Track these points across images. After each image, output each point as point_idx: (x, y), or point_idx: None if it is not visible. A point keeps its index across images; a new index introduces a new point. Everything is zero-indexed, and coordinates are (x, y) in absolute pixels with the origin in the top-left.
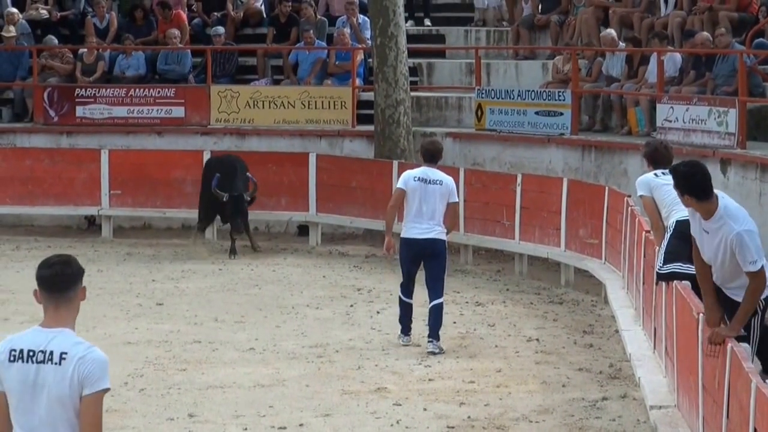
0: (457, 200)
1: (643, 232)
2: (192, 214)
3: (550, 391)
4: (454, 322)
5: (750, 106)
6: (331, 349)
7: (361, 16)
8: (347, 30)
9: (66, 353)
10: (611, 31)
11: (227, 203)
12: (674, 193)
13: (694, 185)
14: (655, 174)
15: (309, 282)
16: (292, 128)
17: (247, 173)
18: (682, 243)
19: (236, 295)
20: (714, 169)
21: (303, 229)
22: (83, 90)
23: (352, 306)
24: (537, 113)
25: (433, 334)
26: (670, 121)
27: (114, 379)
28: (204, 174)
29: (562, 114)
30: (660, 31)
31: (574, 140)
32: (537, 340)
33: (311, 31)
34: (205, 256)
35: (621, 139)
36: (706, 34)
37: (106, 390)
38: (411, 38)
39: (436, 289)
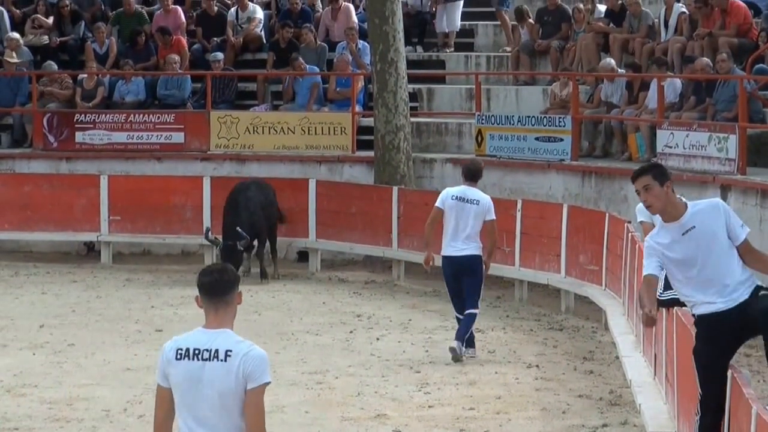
0: (494, 218)
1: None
2: (192, 240)
3: (550, 418)
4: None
5: (750, 131)
6: (330, 376)
7: (361, 41)
8: (347, 56)
9: (231, 351)
10: (611, 61)
11: (222, 251)
12: None
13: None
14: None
15: (309, 308)
16: (291, 154)
17: (263, 210)
18: None
19: (235, 321)
20: (714, 195)
21: (303, 255)
22: (83, 115)
23: (351, 332)
24: (537, 139)
25: (459, 336)
26: (671, 147)
27: (113, 405)
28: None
29: (562, 140)
30: (659, 58)
31: (575, 166)
32: (537, 366)
33: (299, 59)
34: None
35: (621, 165)
36: (706, 59)
37: (268, 383)
38: (411, 64)
39: (472, 300)
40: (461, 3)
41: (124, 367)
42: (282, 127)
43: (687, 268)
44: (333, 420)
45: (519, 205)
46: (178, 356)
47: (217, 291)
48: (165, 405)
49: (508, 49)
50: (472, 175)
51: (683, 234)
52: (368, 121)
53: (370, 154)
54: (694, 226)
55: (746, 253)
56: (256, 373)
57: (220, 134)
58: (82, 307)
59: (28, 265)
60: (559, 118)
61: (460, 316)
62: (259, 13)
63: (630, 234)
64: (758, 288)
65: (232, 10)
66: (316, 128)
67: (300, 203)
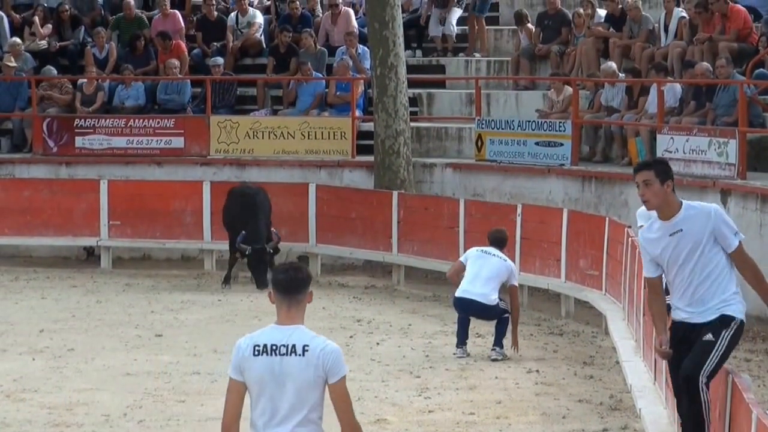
0: (517, 285)
1: None
2: (191, 245)
3: (551, 423)
4: (454, 353)
5: (750, 136)
6: None
7: (361, 46)
8: (347, 60)
9: (308, 346)
10: (612, 64)
11: (250, 256)
12: None
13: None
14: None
15: (308, 313)
16: (291, 159)
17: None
18: None
19: (236, 326)
20: (714, 200)
21: (303, 260)
22: (82, 120)
23: (351, 337)
24: (537, 144)
25: (497, 342)
26: (671, 152)
27: (112, 410)
28: (225, 205)
29: (562, 144)
30: (658, 63)
31: (575, 171)
32: (537, 371)
33: (309, 64)
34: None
35: (621, 169)
36: (706, 64)
37: (346, 374)
38: (411, 68)
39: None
40: (457, 8)
41: (123, 372)
42: (282, 132)
43: (668, 269)
44: (333, 425)
45: (519, 210)
46: (256, 352)
47: (291, 288)
48: (236, 397)
49: (477, 55)
50: (498, 242)
51: (670, 235)
52: (368, 126)
53: (370, 158)
54: (682, 230)
55: (738, 260)
56: (335, 367)
57: (220, 139)
58: (81, 311)
59: (27, 269)
60: (559, 122)
61: (464, 315)
62: (259, 18)
63: (630, 239)
64: (722, 319)
65: (232, 14)
66: (316, 133)
67: (300, 208)
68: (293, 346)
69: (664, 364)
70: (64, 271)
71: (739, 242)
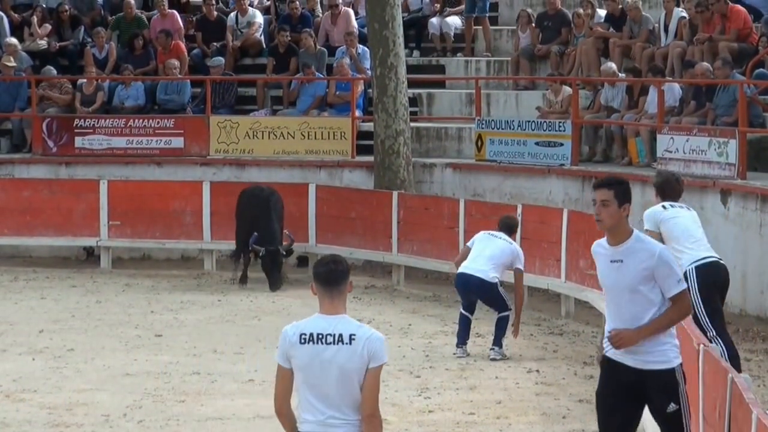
0: (522, 269)
1: None
2: (191, 245)
3: (551, 423)
4: (454, 353)
5: (750, 136)
6: None
7: (361, 46)
8: (347, 61)
9: (354, 335)
10: (611, 64)
11: (264, 258)
12: (684, 227)
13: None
14: (663, 206)
15: (309, 313)
16: (291, 159)
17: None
18: (713, 293)
19: (235, 326)
20: (714, 200)
21: (302, 260)
22: (82, 120)
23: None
24: (537, 144)
25: (496, 341)
26: (671, 152)
27: (112, 410)
28: (237, 207)
29: (562, 144)
30: (655, 65)
31: (575, 171)
32: (537, 371)
33: (313, 67)
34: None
35: (621, 169)
36: (706, 64)
37: (385, 363)
38: (411, 68)
39: (499, 307)
40: (457, 16)
41: (123, 372)
42: (282, 132)
43: (605, 293)
44: None
45: (519, 210)
46: (302, 340)
47: (332, 280)
48: (285, 383)
49: (484, 55)
50: (508, 228)
51: (611, 261)
52: (368, 126)
53: (370, 158)
54: (622, 261)
55: (674, 306)
56: (378, 354)
57: (219, 139)
58: (81, 312)
59: (27, 270)
60: (559, 122)
61: (465, 313)
62: (259, 18)
63: None
64: (667, 377)
65: (232, 14)
66: (315, 133)
67: (300, 208)
68: (340, 335)
69: None
70: (63, 272)
71: (681, 292)
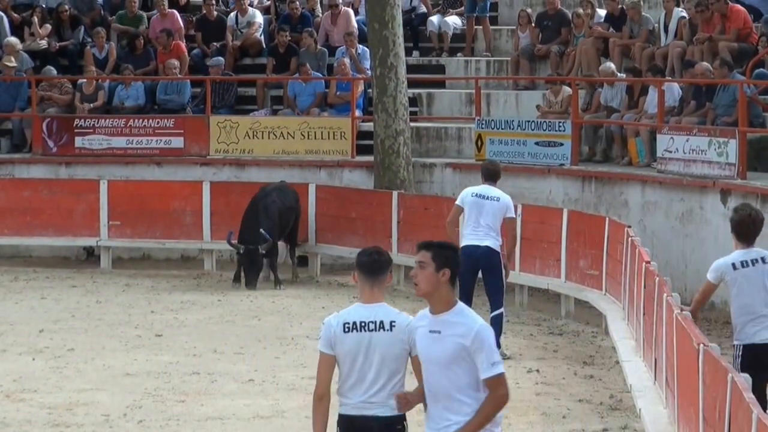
0: (514, 216)
1: (644, 263)
2: (191, 245)
3: (551, 423)
4: None
5: (750, 136)
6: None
7: (361, 46)
8: (347, 60)
9: (394, 322)
10: (610, 64)
11: (242, 256)
12: (753, 295)
13: None
14: (734, 265)
15: (309, 313)
16: (291, 159)
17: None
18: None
19: (235, 326)
20: (714, 200)
21: (302, 260)
22: (82, 120)
23: None
24: (537, 144)
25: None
26: (671, 152)
27: (112, 410)
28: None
29: (562, 144)
30: (654, 65)
31: (575, 171)
32: (537, 371)
33: (307, 65)
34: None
35: (621, 169)
36: (706, 64)
37: None
38: (411, 68)
39: (496, 299)
40: (456, 15)
41: (123, 372)
42: (282, 132)
43: (422, 367)
44: (333, 425)
45: (519, 210)
46: (346, 329)
47: (374, 270)
48: (328, 369)
49: (460, 54)
50: (491, 175)
51: (429, 331)
52: (368, 126)
53: (370, 158)
54: (440, 332)
55: (488, 395)
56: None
57: (219, 139)
58: (81, 312)
59: (27, 270)
60: (559, 122)
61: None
62: (259, 18)
63: (630, 239)
64: None
65: (232, 14)
66: (315, 133)
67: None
68: (381, 322)
69: (664, 364)
70: (63, 272)
71: (495, 376)
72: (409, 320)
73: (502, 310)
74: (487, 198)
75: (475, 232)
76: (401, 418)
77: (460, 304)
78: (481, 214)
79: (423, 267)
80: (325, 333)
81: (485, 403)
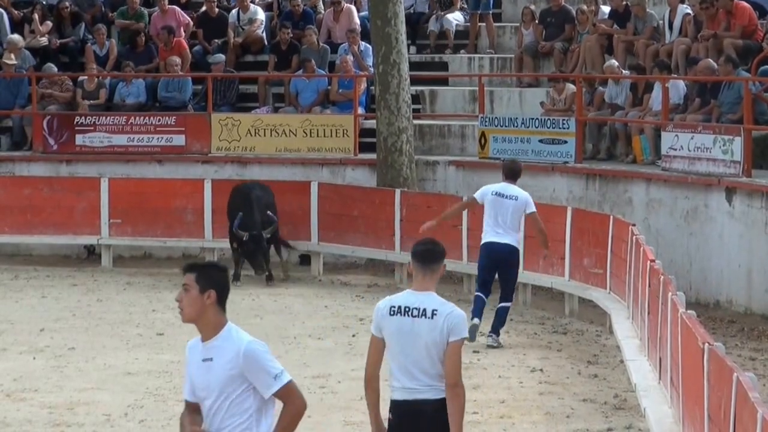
0: (535, 210)
1: (648, 262)
2: (193, 243)
3: (555, 422)
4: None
5: (755, 133)
6: (333, 380)
7: (363, 43)
8: (349, 58)
9: (436, 310)
10: (614, 62)
11: (247, 242)
12: None
13: None
14: None
15: (311, 312)
16: (293, 156)
17: (267, 209)
18: None
19: (237, 325)
20: (719, 198)
21: (305, 259)
22: (83, 118)
23: (354, 336)
24: (541, 141)
25: (494, 330)
26: (675, 149)
27: (113, 409)
28: (228, 205)
29: (566, 142)
30: (661, 61)
31: (579, 168)
32: (541, 370)
33: (313, 61)
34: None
35: (626, 167)
36: (709, 60)
37: (465, 338)
38: (413, 65)
39: (506, 292)
40: (458, 11)
41: (125, 371)
42: (284, 130)
43: (200, 402)
44: (335, 425)
45: None
46: (392, 312)
47: (428, 259)
48: (377, 351)
49: (464, 51)
50: (511, 173)
51: (203, 360)
52: (371, 124)
53: (373, 156)
54: (212, 359)
55: (283, 408)
56: (457, 329)
57: (221, 137)
58: (82, 310)
59: (28, 268)
60: (563, 120)
61: (481, 295)
62: (261, 15)
63: (634, 237)
64: None
65: (234, 11)
66: (318, 130)
67: (302, 206)
68: (424, 309)
69: (669, 363)
70: (64, 270)
71: (283, 387)
72: (452, 310)
73: (509, 304)
74: (506, 197)
75: (495, 230)
76: None
77: (229, 326)
78: (500, 213)
79: (187, 290)
80: (375, 316)
81: (281, 417)
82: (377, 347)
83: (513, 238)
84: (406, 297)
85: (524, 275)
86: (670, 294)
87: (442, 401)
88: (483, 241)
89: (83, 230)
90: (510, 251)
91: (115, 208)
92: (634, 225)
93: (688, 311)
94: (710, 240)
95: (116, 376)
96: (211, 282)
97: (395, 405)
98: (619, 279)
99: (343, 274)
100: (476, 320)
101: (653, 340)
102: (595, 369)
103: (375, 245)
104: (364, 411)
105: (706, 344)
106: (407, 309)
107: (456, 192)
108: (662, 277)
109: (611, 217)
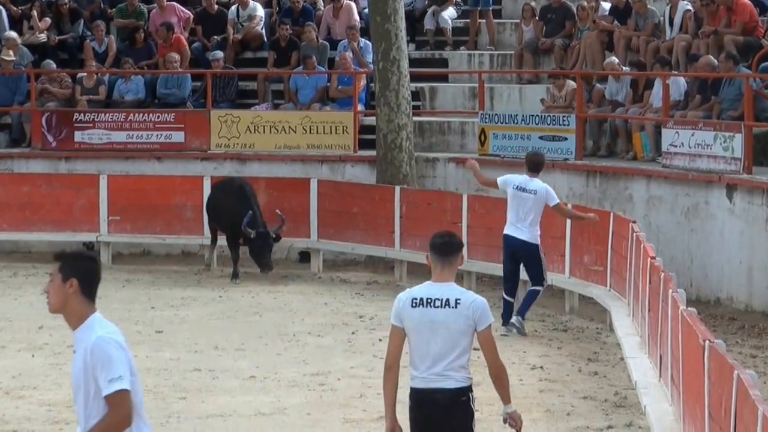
0: (557, 201)
1: (649, 259)
2: (192, 240)
3: (555, 420)
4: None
5: (756, 130)
6: (332, 377)
7: (363, 39)
8: (349, 54)
9: (459, 299)
10: (614, 59)
11: (255, 240)
12: None
13: None
14: None
15: (310, 309)
16: (293, 153)
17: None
18: None
19: (237, 322)
20: (720, 195)
21: (304, 256)
22: (82, 115)
23: (353, 333)
24: (541, 138)
25: (520, 312)
26: (676, 146)
27: None
28: (216, 203)
29: (566, 139)
30: (662, 57)
31: (579, 165)
32: (541, 367)
33: (314, 58)
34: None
35: (626, 164)
36: (710, 57)
37: (492, 323)
38: (413, 62)
39: (536, 279)
40: (453, 7)
41: None
42: (283, 127)
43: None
44: (335, 422)
45: None
46: (414, 304)
47: (446, 251)
48: (397, 341)
49: (463, 48)
50: (534, 166)
51: (75, 351)
52: (370, 120)
53: (373, 153)
54: (75, 350)
55: (106, 413)
56: (483, 317)
57: (220, 133)
58: None
59: (27, 265)
60: (563, 116)
61: (508, 298)
62: (260, 11)
63: (635, 234)
64: None
65: (233, 8)
66: (317, 127)
67: (301, 203)
68: (447, 299)
69: (669, 361)
70: None
71: (115, 393)
72: (474, 298)
73: (540, 288)
74: (527, 191)
75: (515, 224)
76: (467, 390)
77: (94, 316)
78: (521, 207)
79: (52, 279)
80: (395, 307)
81: (97, 423)
82: (398, 337)
83: (531, 234)
84: (427, 289)
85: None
86: (670, 291)
87: (457, 391)
88: (504, 233)
89: (82, 227)
90: (525, 247)
91: (114, 205)
92: (634, 222)
93: (689, 308)
94: (711, 237)
95: None
96: (73, 271)
97: (414, 392)
98: (620, 276)
99: (342, 271)
100: (504, 329)
101: (654, 338)
102: (596, 366)
103: (374, 242)
104: (364, 408)
105: (707, 341)
106: (429, 300)
107: (456, 189)
108: (663, 274)
109: (612, 213)
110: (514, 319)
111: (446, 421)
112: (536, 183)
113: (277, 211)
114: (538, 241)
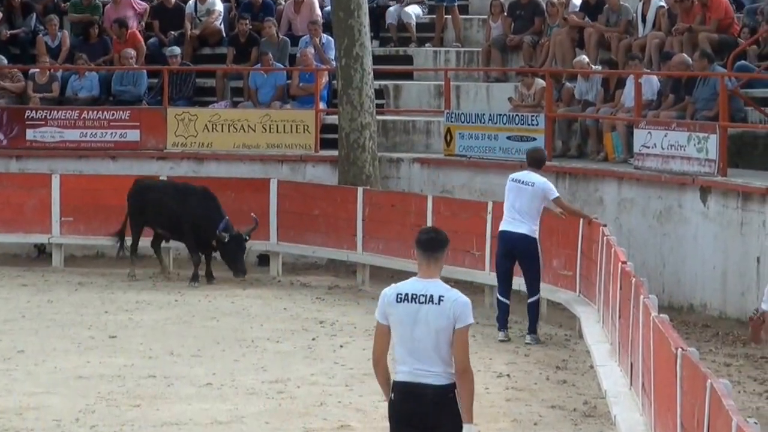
0: (557, 195)
1: (619, 264)
2: (148, 242)
3: (522, 430)
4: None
5: (731, 131)
6: (292, 385)
7: (325, 36)
8: (310, 50)
9: (443, 296)
10: (584, 57)
11: (229, 243)
12: None
13: None
14: None
15: (269, 314)
16: (252, 153)
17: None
18: None
19: (193, 327)
20: (693, 197)
21: (263, 259)
22: (34, 112)
23: (314, 339)
24: (509, 138)
25: (530, 329)
26: (648, 147)
27: (64, 415)
28: (187, 208)
29: (535, 139)
30: (635, 53)
31: (548, 167)
32: (508, 375)
33: (269, 54)
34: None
35: (597, 165)
36: (683, 55)
37: (471, 324)
38: (377, 59)
39: (532, 286)
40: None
41: (76, 375)
42: (242, 125)
43: None
44: (295, 431)
45: (490, 207)
46: (398, 299)
47: (431, 247)
48: (383, 338)
49: (429, 45)
50: (534, 161)
51: None
52: (332, 119)
53: (335, 153)
54: None
55: None
56: (463, 315)
57: (177, 132)
58: (32, 311)
59: None
60: (532, 116)
61: (502, 299)
62: (219, 6)
63: (605, 238)
64: None
65: (191, 2)
66: (277, 126)
67: (261, 204)
68: (431, 296)
69: (640, 369)
70: (13, 270)
71: None
72: (458, 296)
73: (538, 296)
74: (524, 183)
75: (512, 218)
76: (452, 387)
77: None
78: (517, 199)
79: None
80: (380, 303)
81: None
82: (383, 334)
83: (529, 227)
84: (412, 284)
85: (490, 277)
86: (642, 297)
87: (444, 388)
88: (499, 229)
89: (33, 228)
90: (524, 240)
91: (66, 206)
92: (605, 225)
93: (661, 315)
94: (684, 241)
95: (67, 379)
96: None
97: (398, 385)
98: (590, 281)
99: (302, 275)
100: (501, 334)
101: (624, 345)
102: (564, 375)
103: (336, 245)
104: (324, 417)
105: (679, 349)
106: (414, 296)
107: (420, 190)
108: (634, 279)
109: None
110: (528, 338)
111: (435, 415)
112: (535, 176)
113: (252, 214)
114: (536, 236)
